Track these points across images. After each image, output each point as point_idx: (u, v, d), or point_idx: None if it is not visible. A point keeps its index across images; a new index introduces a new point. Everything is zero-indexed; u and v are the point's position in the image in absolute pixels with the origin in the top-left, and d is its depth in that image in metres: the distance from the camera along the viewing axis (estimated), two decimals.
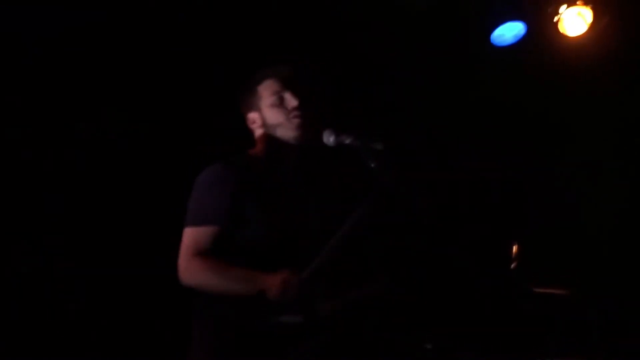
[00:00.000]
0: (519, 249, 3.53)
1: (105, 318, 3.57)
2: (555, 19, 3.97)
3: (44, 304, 3.48)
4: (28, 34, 3.47)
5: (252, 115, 2.62)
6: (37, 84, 3.54)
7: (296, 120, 2.53)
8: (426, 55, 4.13)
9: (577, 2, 3.93)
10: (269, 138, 2.58)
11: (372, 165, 2.32)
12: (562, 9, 3.95)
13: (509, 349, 3.41)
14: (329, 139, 2.42)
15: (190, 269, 2.38)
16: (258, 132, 2.62)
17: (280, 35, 3.83)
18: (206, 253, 2.37)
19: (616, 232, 4.18)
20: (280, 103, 2.56)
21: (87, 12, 3.51)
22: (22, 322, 3.41)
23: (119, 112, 3.69)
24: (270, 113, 2.57)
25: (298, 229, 2.42)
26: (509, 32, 4.05)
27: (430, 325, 3.40)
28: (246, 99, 2.65)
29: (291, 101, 2.54)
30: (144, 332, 3.55)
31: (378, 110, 4.11)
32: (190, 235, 2.41)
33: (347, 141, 2.39)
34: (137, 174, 3.70)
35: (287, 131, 2.54)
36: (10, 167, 3.48)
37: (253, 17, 3.81)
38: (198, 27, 3.74)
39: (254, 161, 2.56)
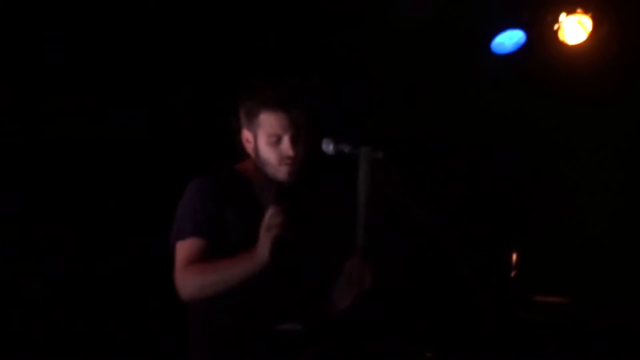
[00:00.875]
0: (518, 257, 3.53)
1: (104, 319, 3.57)
2: (555, 27, 3.98)
3: (43, 305, 3.49)
4: (29, 34, 3.47)
5: (247, 134, 2.52)
6: (37, 84, 3.54)
7: (286, 168, 2.46)
8: (427, 62, 4.13)
9: (577, 11, 3.93)
10: (258, 166, 2.52)
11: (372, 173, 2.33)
12: (562, 17, 3.95)
13: (509, 357, 3.41)
14: (328, 147, 2.41)
15: (185, 278, 2.35)
16: (250, 150, 2.54)
17: (281, 37, 3.84)
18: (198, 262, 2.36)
19: (616, 240, 4.18)
20: (276, 143, 2.45)
21: (87, 12, 3.51)
22: (22, 322, 3.42)
23: (119, 112, 3.69)
24: (264, 149, 2.47)
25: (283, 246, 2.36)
26: (509, 40, 4.06)
27: (430, 334, 3.41)
28: (246, 113, 2.52)
29: (287, 150, 2.44)
30: (144, 334, 3.56)
31: (378, 118, 4.11)
32: (180, 250, 2.39)
33: (347, 150, 2.38)
34: (137, 174, 3.70)
35: (274, 172, 2.47)
36: (9, 166, 3.48)
37: (254, 21, 3.81)
38: (198, 27, 3.74)
39: (240, 178, 2.52)
